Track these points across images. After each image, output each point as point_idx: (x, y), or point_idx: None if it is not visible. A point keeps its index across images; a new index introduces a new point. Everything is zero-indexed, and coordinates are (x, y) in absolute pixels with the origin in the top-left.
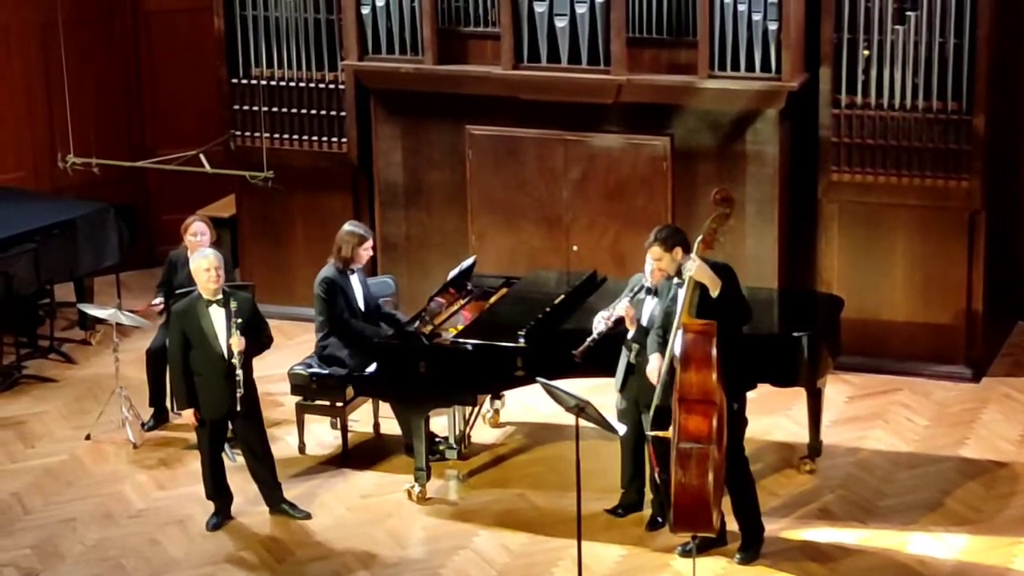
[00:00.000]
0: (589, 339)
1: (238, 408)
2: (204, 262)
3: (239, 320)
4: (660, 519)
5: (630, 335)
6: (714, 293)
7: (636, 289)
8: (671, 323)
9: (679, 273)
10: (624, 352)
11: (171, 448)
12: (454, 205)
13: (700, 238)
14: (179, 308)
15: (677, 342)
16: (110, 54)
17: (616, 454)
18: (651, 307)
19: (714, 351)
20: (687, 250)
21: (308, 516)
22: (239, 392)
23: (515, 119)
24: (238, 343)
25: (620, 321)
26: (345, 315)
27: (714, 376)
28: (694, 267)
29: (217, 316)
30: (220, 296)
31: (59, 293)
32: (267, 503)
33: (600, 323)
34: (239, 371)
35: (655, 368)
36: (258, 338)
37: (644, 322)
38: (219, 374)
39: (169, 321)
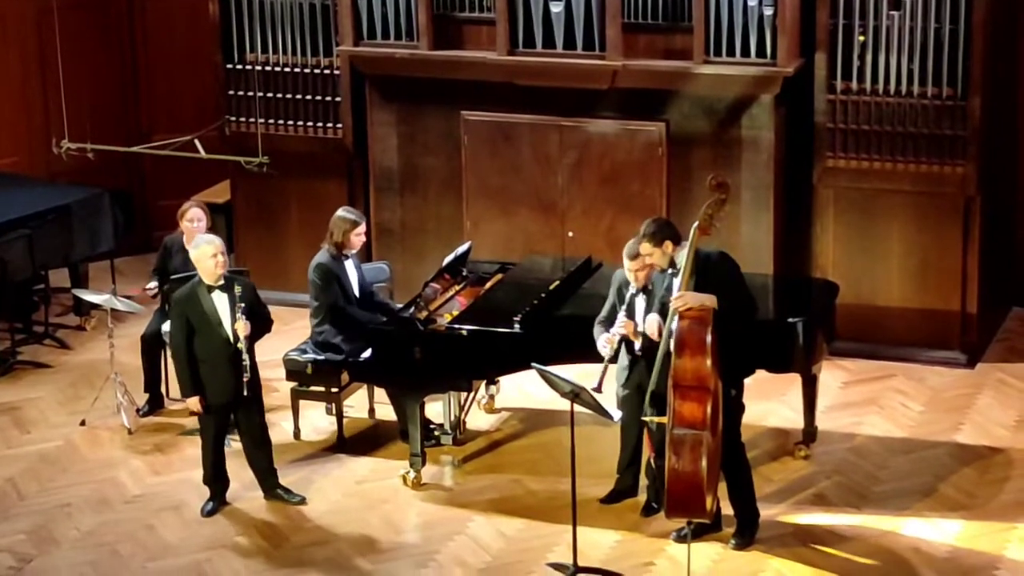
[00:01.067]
0: (602, 368)
1: (245, 392)
2: (209, 248)
3: (242, 304)
4: (655, 505)
5: (637, 346)
6: (715, 307)
7: (628, 298)
8: (667, 313)
9: (672, 264)
10: (625, 354)
11: (166, 434)
12: (449, 191)
13: (696, 224)
14: (180, 295)
15: (673, 327)
16: (105, 39)
17: (611, 440)
18: (643, 307)
19: (709, 337)
20: (677, 242)
21: (303, 501)
22: (246, 376)
23: (510, 105)
24: (243, 328)
25: (623, 338)
26: (340, 302)
27: (709, 362)
28: (686, 301)
29: (220, 301)
30: (222, 281)
31: (54, 279)
32: (262, 489)
33: (605, 348)
34: (245, 355)
35: (654, 322)
36: (260, 322)
37: (641, 327)
38: (224, 359)
39: (166, 307)
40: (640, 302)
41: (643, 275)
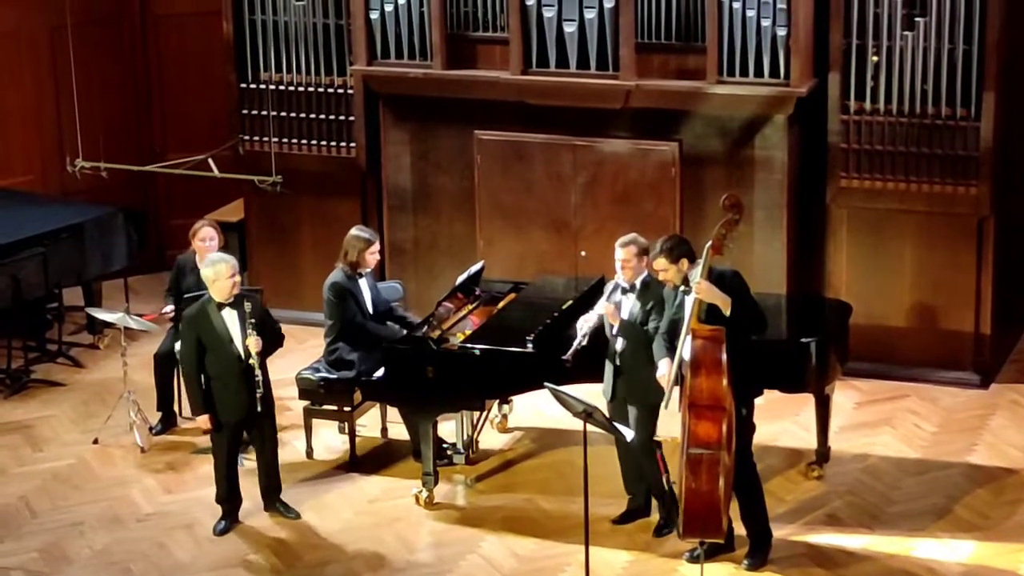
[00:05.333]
0: (576, 343)
1: (258, 408)
2: (226, 268)
3: (252, 320)
4: (665, 526)
5: (614, 330)
6: (727, 312)
7: (611, 290)
8: (678, 330)
9: (686, 281)
10: (608, 364)
11: (179, 452)
12: (462, 210)
13: (709, 243)
14: (190, 313)
15: (686, 348)
16: (119, 58)
17: None
18: (629, 305)
19: (724, 356)
20: (692, 260)
21: (298, 516)
22: (259, 392)
23: (524, 124)
24: (255, 344)
25: (599, 326)
26: (359, 318)
27: (724, 382)
28: (701, 288)
29: (230, 318)
30: (231, 299)
31: (67, 297)
32: (264, 502)
33: (584, 325)
34: (258, 372)
35: (665, 372)
36: (272, 338)
37: (624, 316)
38: (236, 376)
39: (179, 326)
40: (626, 301)
41: (630, 269)
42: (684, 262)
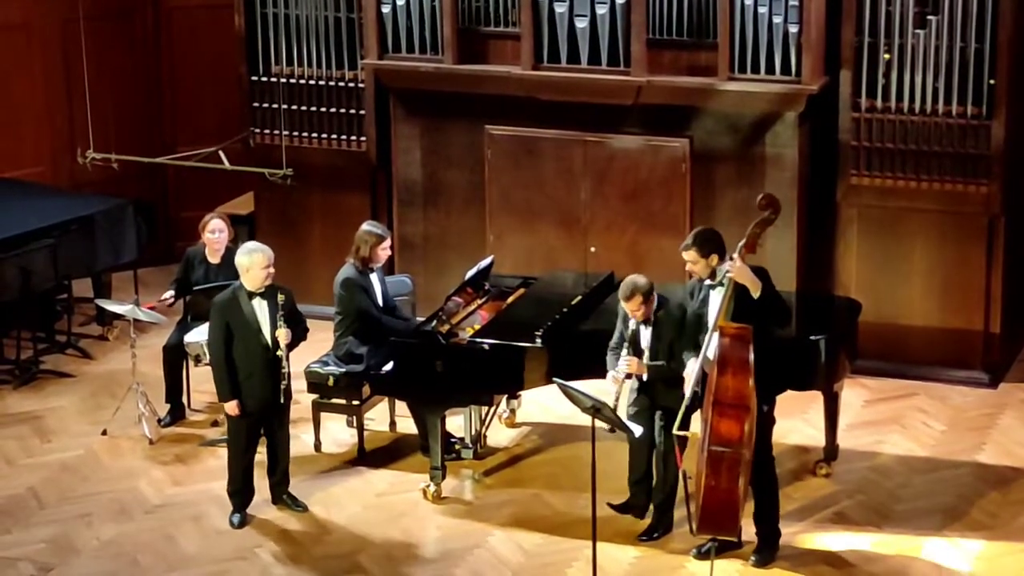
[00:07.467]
0: (612, 403)
1: (281, 400)
2: (261, 258)
3: (283, 312)
4: (655, 530)
5: (644, 377)
6: (756, 294)
7: (631, 332)
8: (702, 326)
9: (712, 276)
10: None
11: (187, 444)
12: (472, 205)
13: (743, 243)
14: (221, 300)
15: (712, 345)
16: (131, 50)
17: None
18: (647, 337)
19: (751, 355)
20: (722, 256)
21: (305, 509)
22: (283, 384)
23: (534, 119)
24: (284, 336)
25: (629, 375)
26: (374, 311)
27: (751, 381)
28: (735, 268)
29: (260, 308)
30: (263, 288)
31: (77, 288)
32: (272, 494)
33: (613, 387)
34: (284, 364)
35: (691, 372)
36: (298, 331)
37: (648, 355)
38: (262, 366)
39: (187, 318)
40: (645, 333)
41: (641, 314)
42: (714, 257)
